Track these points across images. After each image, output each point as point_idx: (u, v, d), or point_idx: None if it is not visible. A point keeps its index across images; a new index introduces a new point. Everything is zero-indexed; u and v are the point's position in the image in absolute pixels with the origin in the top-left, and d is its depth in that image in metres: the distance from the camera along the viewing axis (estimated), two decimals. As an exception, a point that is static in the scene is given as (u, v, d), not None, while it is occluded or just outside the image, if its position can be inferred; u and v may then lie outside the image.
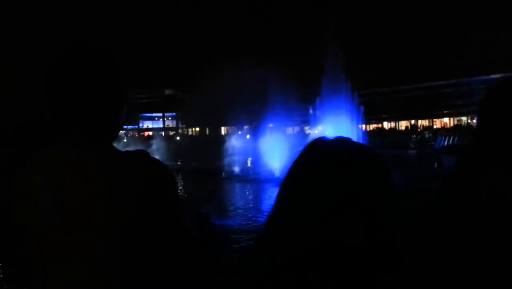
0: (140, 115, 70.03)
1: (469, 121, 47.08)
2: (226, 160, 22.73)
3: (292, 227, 0.80)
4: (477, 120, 1.24)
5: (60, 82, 1.04)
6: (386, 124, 62.32)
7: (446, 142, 31.00)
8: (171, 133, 66.40)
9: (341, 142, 0.86)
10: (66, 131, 1.04)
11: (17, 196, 1.02)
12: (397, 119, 61.14)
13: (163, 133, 63.90)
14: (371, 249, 0.77)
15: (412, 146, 35.90)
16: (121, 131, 1.19)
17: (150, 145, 30.42)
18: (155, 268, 1.00)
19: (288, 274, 0.77)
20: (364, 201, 0.78)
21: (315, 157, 0.85)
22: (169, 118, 74.91)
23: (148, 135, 55.46)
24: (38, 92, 1.08)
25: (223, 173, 20.65)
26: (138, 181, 0.99)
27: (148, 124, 74.53)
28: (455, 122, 53.47)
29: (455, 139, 29.62)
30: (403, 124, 60.39)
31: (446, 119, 57.29)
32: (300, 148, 0.89)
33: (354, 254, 0.76)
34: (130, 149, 1.10)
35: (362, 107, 26.76)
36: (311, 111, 27.24)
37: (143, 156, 1.05)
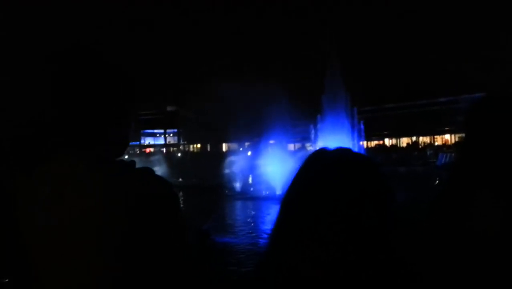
0: (141, 131, 70.19)
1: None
2: (227, 177, 22.67)
3: (295, 242, 0.80)
4: (464, 136, 1.26)
5: (71, 92, 1.03)
6: (387, 141, 62.30)
7: (447, 159, 30.91)
8: (172, 149, 66.43)
9: (341, 153, 0.87)
10: (72, 143, 1.04)
11: (18, 207, 1.02)
12: (398, 136, 61.16)
13: (164, 149, 63.90)
14: (375, 262, 0.77)
15: (414, 162, 35.79)
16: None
17: (151, 161, 30.41)
18: (156, 285, 1.00)
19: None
20: (365, 210, 0.78)
21: (316, 168, 0.86)
22: (171, 134, 75.03)
23: (150, 151, 55.50)
24: (40, 98, 1.07)
25: (224, 190, 20.57)
26: (142, 199, 0.99)
27: (149, 140, 74.60)
28: (456, 139, 53.44)
29: (456, 157, 29.50)
30: (404, 141, 60.36)
31: (447, 136, 57.30)
32: (301, 160, 0.90)
33: (360, 267, 0.76)
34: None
35: (362, 123, 26.81)
36: (312, 128, 27.31)
37: (148, 174, 1.05)
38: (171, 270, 1.02)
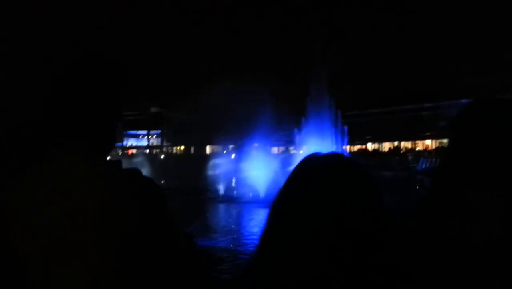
0: (124, 132, 69.53)
1: (450, 144, 47.79)
2: (211, 180, 22.61)
3: (285, 245, 0.79)
4: (449, 139, 1.28)
5: (71, 93, 1.05)
6: (370, 146, 63.13)
7: (428, 164, 31.48)
8: (156, 151, 65.93)
9: (333, 157, 0.88)
10: (70, 142, 1.05)
11: (14, 207, 0.99)
12: (380, 140, 62.04)
13: (147, 151, 63.40)
14: (367, 263, 0.77)
15: (395, 167, 36.32)
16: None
17: (134, 163, 30.12)
18: (149, 285, 0.99)
19: None
20: (355, 215, 0.78)
21: (308, 172, 0.87)
22: (154, 136, 74.50)
23: (132, 153, 54.97)
24: (39, 98, 1.08)
25: (207, 193, 20.50)
26: (136, 198, 0.99)
27: (132, 142, 73.93)
28: (437, 145, 54.50)
29: (437, 162, 30.09)
30: (386, 146, 61.25)
31: (428, 142, 58.37)
32: (289, 166, 0.91)
33: (355, 270, 0.76)
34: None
35: (346, 127, 27.12)
36: (296, 131, 27.47)
37: (136, 175, 1.06)
38: (163, 268, 1.02)
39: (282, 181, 0.89)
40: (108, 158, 1.13)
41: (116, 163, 1.07)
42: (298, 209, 0.81)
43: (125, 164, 1.07)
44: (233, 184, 22.06)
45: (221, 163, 24.84)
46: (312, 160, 0.89)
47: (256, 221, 12.36)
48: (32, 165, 1.03)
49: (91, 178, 1.00)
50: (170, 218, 1.07)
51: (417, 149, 56.07)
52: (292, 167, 0.91)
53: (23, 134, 1.11)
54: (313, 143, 23.74)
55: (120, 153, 53.98)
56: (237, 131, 30.61)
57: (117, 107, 1.12)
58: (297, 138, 27.22)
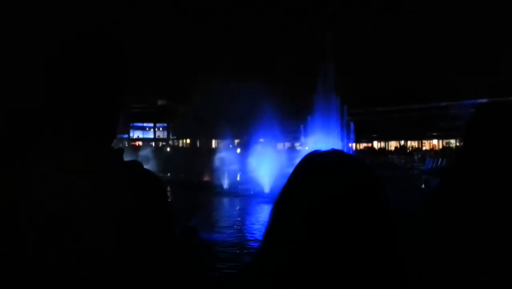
0: (130, 124, 69.68)
1: (457, 144, 47.72)
2: (216, 174, 22.63)
3: (288, 243, 0.80)
4: (464, 140, 1.30)
5: (68, 74, 1.01)
6: (376, 144, 62.83)
7: (434, 164, 31.29)
8: (162, 144, 66.10)
9: (334, 154, 0.89)
10: (64, 127, 1.02)
11: (7, 193, 0.99)
12: (387, 139, 61.73)
13: (153, 143, 63.54)
14: (375, 261, 0.78)
15: (401, 166, 36.15)
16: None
17: (139, 155, 30.21)
18: (145, 278, 0.99)
19: (289, 284, 0.77)
20: (358, 212, 0.79)
21: (309, 169, 0.87)
22: (160, 129, 74.62)
23: (138, 145, 55.15)
24: (36, 80, 1.05)
25: (212, 187, 20.54)
26: (131, 190, 0.98)
27: (138, 134, 74.10)
28: (444, 145, 54.17)
29: (443, 162, 29.92)
30: (392, 145, 60.96)
31: (435, 141, 58.01)
32: (294, 162, 0.91)
33: (359, 266, 0.77)
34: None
35: (352, 125, 27.02)
36: (302, 128, 27.40)
37: (137, 167, 1.05)
38: (161, 262, 1.02)
39: (286, 177, 0.89)
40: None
41: (117, 152, 1.05)
42: (300, 205, 0.81)
43: (131, 156, 1.06)
44: (238, 179, 22.08)
45: (226, 157, 24.85)
46: (313, 157, 0.89)
47: (260, 216, 12.38)
48: (27, 150, 1.00)
49: (85, 168, 0.97)
50: (169, 211, 1.06)
51: (423, 148, 55.74)
52: (296, 163, 0.91)
53: (21, 120, 1.09)
54: (319, 140, 23.67)
55: (127, 145, 54.19)
56: (243, 127, 30.59)
57: (117, 93, 1.07)
58: (303, 135, 27.15)
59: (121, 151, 1.06)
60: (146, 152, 34.27)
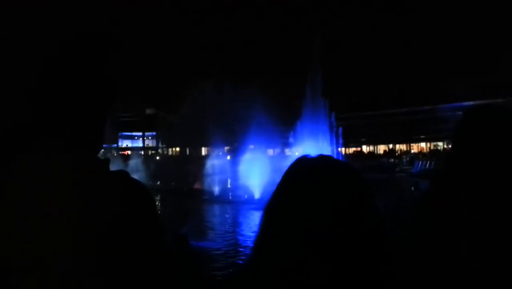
0: (119, 134, 69.14)
1: (445, 146, 48.29)
2: (206, 181, 22.55)
3: (279, 250, 0.80)
4: (452, 144, 1.32)
5: (55, 83, 1.00)
6: (365, 148, 63.27)
7: (423, 167, 31.58)
8: (151, 153, 65.65)
9: (322, 160, 0.89)
10: (48, 137, 1.01)
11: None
12: (375, 143, 62.19)
13: (142, 152, 63.10)
14: (358, 264, 0.78)
15: (390, 169, 36.41)
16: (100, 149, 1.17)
17: (129, 164, 29.97)
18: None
19: None
20: (347, 217, 0.79)
21: (298, 175, 0.88)
22: (149, 137, 74.18)
23: (127, 154, 54.71)
24: (24, 95, 1.02)
25: (203, 194, 20.44)
26: (117, 201, 0.97)
27: (127, 143, 73.54)
28: (432, 147, 54.76)
29: (432, 164, 30.24)
30: (381, 148, 61.41)
31: (423, 144, 58.60)
32: (284, 168, 0.91)
33: (343, 271, 0.77)
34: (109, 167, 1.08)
35: (340, 129, 27.18)
36: (291, 133, 27.48)
37: (123, 177, 1.03)
38: (149, 273, 1.01)
39: (276, 183, 0.90)
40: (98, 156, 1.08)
41: (103, 162, 1.03)
42: (289, 211, 0.82)
43: (120, 165, 1.05)
44: (229, 185, 22.01)
45: (216, 164, 24.77)
46: (302, 163, 0.90)
47: (251, 222, 12.35)
48: (10, 161, 0.98)
49: (70, 178, 0.96)
50: (156, 220, 1.04)
51: (412, 151, 56.25)
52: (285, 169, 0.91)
53: (4, 129, 1.07)
54: (308, 145, 23.75)
55: (115, 154, 53.74)
56: (232, 133, 30.57)
57: (103, 108, 1.07)
58: (292, 140, 27.23)
59: (107, 161, 1.05)
60: (135, 161, 34.00)
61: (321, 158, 0.90)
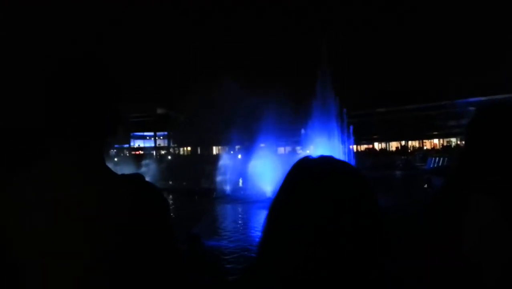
0: (131, 134, 69.77)
1: (458, 142, 47.72)
2: (218, 180, 22.63)
3: (283, 251, 0.80)
4: (465, 142, 1.31)
5: (63, 93, 1.04)
6: (377, 145, 62.83)
7: (436, 164, 31.25)
8: (163, 152, 66.14)
9: (324, 160, 0.89)
10: (61, 144, 1.03)
11: (3, 211, 0.99)
12: (387, 140, 61.71)
13: (154, 152, 63.60)
14: (361, 264, 0.78)
15: (403, 166, 36.12)
16: (112, 150, 1.19)
17: (141, 165, 30.22)
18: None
19: None
20: (349, 218, 0.79)
21: (300, 176, 0.88)
22: (161, 137, 74.70)
23: (139, 154, 55.15)
24: (36, 99, 1.07)
25: (214, 193, 20.51)
26: (130, 205, 0.99)
27: (139, 143, 74.18)
28: (445, 144, 54.14)
29: (445, 161, 29.91)
30: (393, 145, 60.93)
31: (436, 141, 57.99)
32: (287, 169, 0.92)
33: (346, 272, 0.77)
34: (119, 168, 1.10)
35: (352, 127, 27.04)
36: (302, 131, 27.39)
37: (137, 180, 1.05)
38: (160, 274, 1.02)
39: (279, 185, 0.90)
40: (115, 159, 1.10)
41: (115, 174, 1.05)
42: (292, 212, 0.82)
43: (132, 165, 1.06)
44: (240, 185, 22.05)
45: (228, 163, 24.83)
46: (302, 163, 0.90)
47: (262, 221, 12.33)
48: (27, 164, 1.02)
49: (84, 181, 0.99)
50: (168, 222, 1.06)
51: (424, 148, 55.72)
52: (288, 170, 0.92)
53: (20, 133, 1.10)
54: (319, 143, 23.66)
55: (128, 154, 54.28)
56: (243, 132, 30.61)
57: (111, 111, 1.09)
58: (303, 138, 27.15)
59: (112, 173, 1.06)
60: (147, 161, 34.28)
61: (323, 158, 0.90)
